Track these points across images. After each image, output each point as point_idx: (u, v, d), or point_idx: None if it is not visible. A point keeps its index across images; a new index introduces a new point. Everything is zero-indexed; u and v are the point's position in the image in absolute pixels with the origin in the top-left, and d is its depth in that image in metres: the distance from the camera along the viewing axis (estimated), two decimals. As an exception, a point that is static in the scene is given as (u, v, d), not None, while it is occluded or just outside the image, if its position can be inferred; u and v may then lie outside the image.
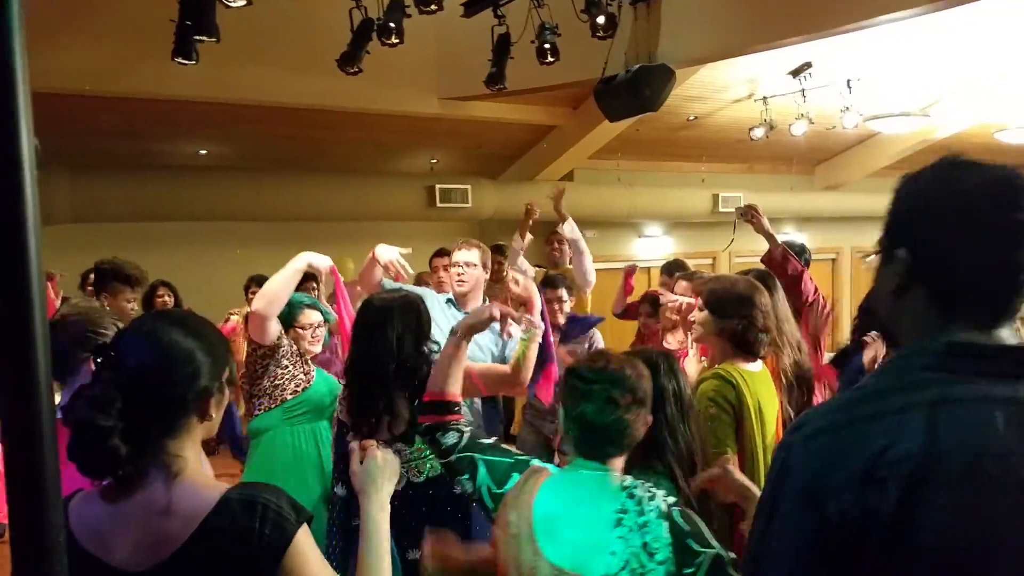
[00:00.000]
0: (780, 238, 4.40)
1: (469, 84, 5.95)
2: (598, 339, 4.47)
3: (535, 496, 1.71)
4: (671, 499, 1.70)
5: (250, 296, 5.50)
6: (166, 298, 5.89)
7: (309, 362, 3.22)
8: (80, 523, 1.26)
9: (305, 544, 1.25)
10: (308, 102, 6.26)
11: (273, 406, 3.08)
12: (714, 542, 1.63)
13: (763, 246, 3.81)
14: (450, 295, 3.53)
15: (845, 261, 12.11)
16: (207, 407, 1.32)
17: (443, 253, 4.94)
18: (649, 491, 1.69)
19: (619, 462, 1.75)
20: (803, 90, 7.33)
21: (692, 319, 2.76)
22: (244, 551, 1.21)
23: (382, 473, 1.56)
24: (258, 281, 5.45)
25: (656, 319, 4.67)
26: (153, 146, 7.62)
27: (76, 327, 2.13)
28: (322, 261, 3.10)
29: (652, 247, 10.54)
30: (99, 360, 1.26)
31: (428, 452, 2.48)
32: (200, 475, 1.30)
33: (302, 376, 3.14)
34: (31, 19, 0.70)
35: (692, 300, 3.25)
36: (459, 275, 3.46)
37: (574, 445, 1.75)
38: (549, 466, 1.82)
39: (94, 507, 1.27)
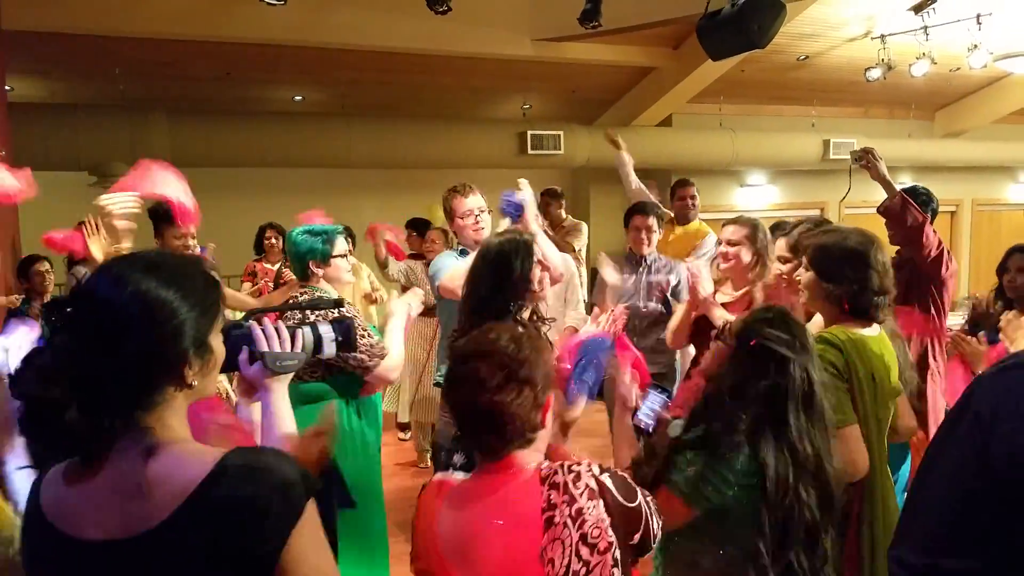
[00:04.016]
0: (900, 188, 4.02)
1: (563, 24, 5.74)
2: (682, 273, 3.94)
3: (438, 516, 1.45)
4: (596, 468, 1.47)
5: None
6: (274, 240, 5.81)
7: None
8: (49, 500, 1.14)
9: (312, 518, 1.09)
10: (398, 45, 6.18)
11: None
12: (638, 493, 1.48)
13: (879, 196, 3.44)
14: None
15: (965, 214, 11.34)
16: (182, 376, 1.12)
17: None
18: (571, 470, 1.45)
19: (526, 455, 1.48)
20: (925, 27, 6.83)
21: (797, 278, 2.48)
22: (247, 525, 1.05)
23: None
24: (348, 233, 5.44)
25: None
26: (250, 92, 7.72)
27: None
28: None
29: (755, 196, 10.09)
30: (52, 319, 1.09)
31: None
32: (187, 443, 1.13)
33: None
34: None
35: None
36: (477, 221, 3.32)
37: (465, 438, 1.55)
38: (454, 474, 1.55)
39: (61, 483, 1.13)
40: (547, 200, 5.86)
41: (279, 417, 1.54)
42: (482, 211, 3.31)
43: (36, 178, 2.54)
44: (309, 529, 1.08)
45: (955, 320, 3.86)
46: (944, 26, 6.75)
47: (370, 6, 5.82)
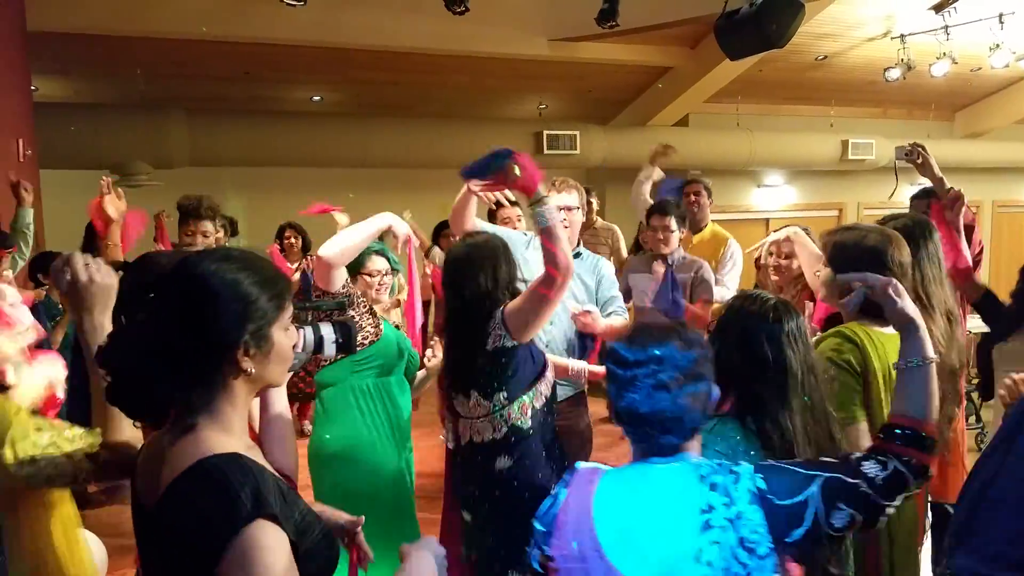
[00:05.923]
0: (915, 190, 3.99)
1: (580, 23, 5.75)
2: (707, 273, 4.08)
3: (592, 504, 1.42)
4: (749, 467, 1.43)
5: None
6: (293, 240, 5.91)
7: (378, 315, 3.04)
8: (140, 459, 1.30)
9: (255, 543, 1.04)
10: (415, 45, 6.21)
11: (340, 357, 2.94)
12: (801, 487, 1.40)
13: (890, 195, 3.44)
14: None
15: (985, 216, 11.22)
16: (236, 360, 1.16)
17: None
18: (731, 472, 1.42)
19: (692, 444, 1.47)
20: (946, 27, 6.77)
21: (817, 274, 2.48)
22: (193, 528, 1.06)
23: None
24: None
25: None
26: (268, 92, 7.77)
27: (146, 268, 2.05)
28: (401, 228, 2.93)
29: (772, 197, 10.04)
30: (142, 301, 1.21)
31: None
32: (218, 432, 1.16)
33: (371, 328, 2.95)
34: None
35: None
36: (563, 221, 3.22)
37: (630, 439, 1.50)
38: (596, 465, 1.52)
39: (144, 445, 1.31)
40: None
41: (278, 412, 1.59)
42: (570, 210, 3.13)
43: (59, 176, 2.59)
44: (248, 552, 1.04)
45: (974, 323, 3.83)
46: (965, 25, 6.69)
47: (387, 6, 5.85)
